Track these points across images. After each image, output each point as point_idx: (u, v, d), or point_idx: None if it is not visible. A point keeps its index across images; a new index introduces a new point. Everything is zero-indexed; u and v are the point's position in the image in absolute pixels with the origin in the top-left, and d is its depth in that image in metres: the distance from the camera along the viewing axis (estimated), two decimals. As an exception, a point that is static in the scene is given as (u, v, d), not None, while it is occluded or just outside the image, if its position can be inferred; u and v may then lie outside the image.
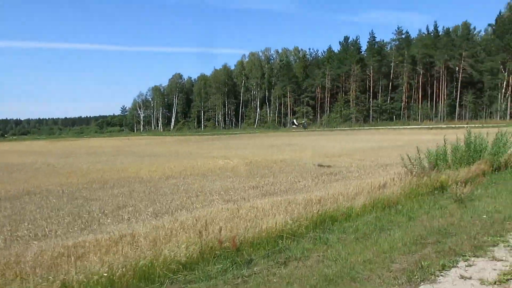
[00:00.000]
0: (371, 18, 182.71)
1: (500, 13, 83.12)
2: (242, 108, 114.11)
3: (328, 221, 7.00)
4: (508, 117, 76.14)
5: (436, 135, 35.39)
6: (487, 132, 12.71)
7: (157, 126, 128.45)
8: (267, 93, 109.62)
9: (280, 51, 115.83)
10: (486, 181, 9.85)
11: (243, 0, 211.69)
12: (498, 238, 5.54)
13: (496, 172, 11.11)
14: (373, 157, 21.03)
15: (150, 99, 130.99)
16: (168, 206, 9.95)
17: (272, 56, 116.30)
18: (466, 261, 4.86)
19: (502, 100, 77.99)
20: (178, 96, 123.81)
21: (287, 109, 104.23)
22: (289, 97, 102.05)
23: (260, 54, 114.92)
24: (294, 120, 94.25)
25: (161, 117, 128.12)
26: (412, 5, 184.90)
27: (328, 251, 5.49)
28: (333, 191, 11.07)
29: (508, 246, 5.28)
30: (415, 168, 11.30)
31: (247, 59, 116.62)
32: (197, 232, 5.73)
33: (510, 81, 76.71)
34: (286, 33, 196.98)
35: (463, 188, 7.91)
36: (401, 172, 11.26)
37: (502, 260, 4.82)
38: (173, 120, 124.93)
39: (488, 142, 12.25)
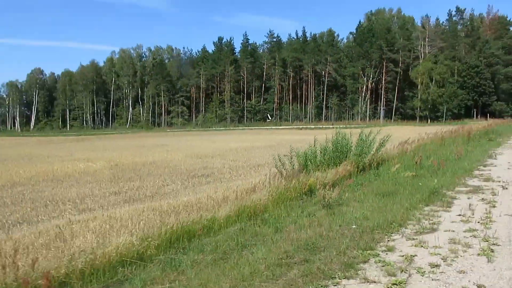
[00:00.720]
0: (245, 21, 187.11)
1: (359, 23, 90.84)
2: (113, 107, 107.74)
3: (185, 236, 5.87)
4: (367, 118, 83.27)
5: (306, 135, 36.65)
6: (350, 132, 12.77)
7: (14, 126, 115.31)
8: (140, 92, 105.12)
9: (153, 49, 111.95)
10: (353, 183, 9.60)
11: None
12: (369, 252, 4.92)
13: (361, 173, 11.04)
14: (246, 157, 20.70)
15: (4, 96, 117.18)
16: (5, 219, 8.28)
17: (144, 54, 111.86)
18: (336, 285, 4.11)
19: (362, 103, 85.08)
20: (38, 93, 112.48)
21: (162, 108, 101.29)
22: (163, 96, 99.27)
23: (132, 51, 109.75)
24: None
25: (19, 116, 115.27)
26: (283, 11, 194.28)
27: (177, 281, 4.36)
28: (202, 195, 10.21)
29: (379, 261, 4.66)
30: (285, 170, 10.81)
31: (117, 56, 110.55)
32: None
33: (369, 85, 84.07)
34: (159, 31, 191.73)
35: (331, 193, 7.40)
36: (272, 174, 10.70)
37: (374, 281, 4.13)
38: (33, 119, 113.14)
39: (352, 142, 12.27)
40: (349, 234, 5.61)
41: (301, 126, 74.61)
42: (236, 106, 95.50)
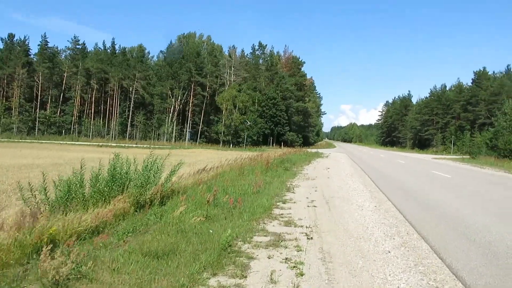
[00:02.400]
0: (45, 22, 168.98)
1: (171, 42, 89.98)
2: None
3: None
4: (173, 139, 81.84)
5: (104, 154, 32.61)
6: (134, 155, 10.11)
7: None
8: None
9: None
10: (122, 229, 6.87)
11: None
12: None
13: (141, 212, 8.35)
14: (14, 178, 16.05)
15: None
16: None
17: None
18: None
19: (169, 123, 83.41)
20: None
21: None
22: None
23: None
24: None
25: None
26: (92, 20, 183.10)
27: None
28: None
29: None
30: (39, 205, 7.59)
31: None
32: None
33: (177, 106, 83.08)
34: None
35: (66, 260, 4.52)
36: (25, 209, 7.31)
37: None
38: None
39: (137, 169, 9.58)
40: None
41: (101, 144, 68.47)
42: (26, 116, 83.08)
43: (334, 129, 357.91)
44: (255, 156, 27.41)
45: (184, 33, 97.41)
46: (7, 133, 77.36)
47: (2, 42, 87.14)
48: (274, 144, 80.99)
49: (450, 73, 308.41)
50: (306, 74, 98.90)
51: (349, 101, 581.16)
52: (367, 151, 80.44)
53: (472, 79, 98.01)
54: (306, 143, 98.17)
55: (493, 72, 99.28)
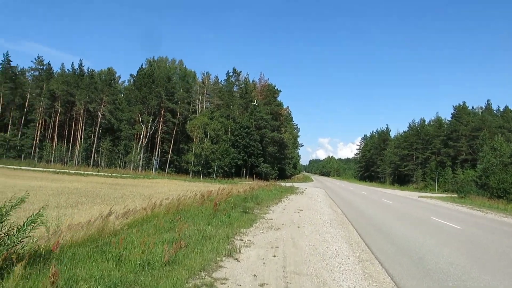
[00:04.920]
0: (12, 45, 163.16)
1: (141, 66, 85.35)
2: None
3: None
4: (140, 168, 76.13)
5: (52, 182, 27.48)
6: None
7: None
8: None
9: None
10: None
11: None
12: None
13: None
14: None
15: None
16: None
17: None
18: None
19: (137, 151, 77.87)
20: None
21: None
22: None
23: None
24: None
25: None
26: (58, 42, 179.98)
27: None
28: None
29: None
30: None
31: None
32: None
33: (146, 133, 77.80)
34: None
35: None
36: None
37: None
38: None
39: None
40: None
41: (58, 170, 62.48)
42: (-18, 139, 76.32)
43: (312, 162, 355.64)
44: (215, 191, 22.61)
45: (153, 57, 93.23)
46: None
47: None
48: (247, 176, 76.00)
49: (428, 108, 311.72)
50: (282, 103, 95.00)
51: (327, 134, 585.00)
52: (346, 186, 76.11)
53: (451, 113, 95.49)
54: (283, 175, 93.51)
55: (472, 107, 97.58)
